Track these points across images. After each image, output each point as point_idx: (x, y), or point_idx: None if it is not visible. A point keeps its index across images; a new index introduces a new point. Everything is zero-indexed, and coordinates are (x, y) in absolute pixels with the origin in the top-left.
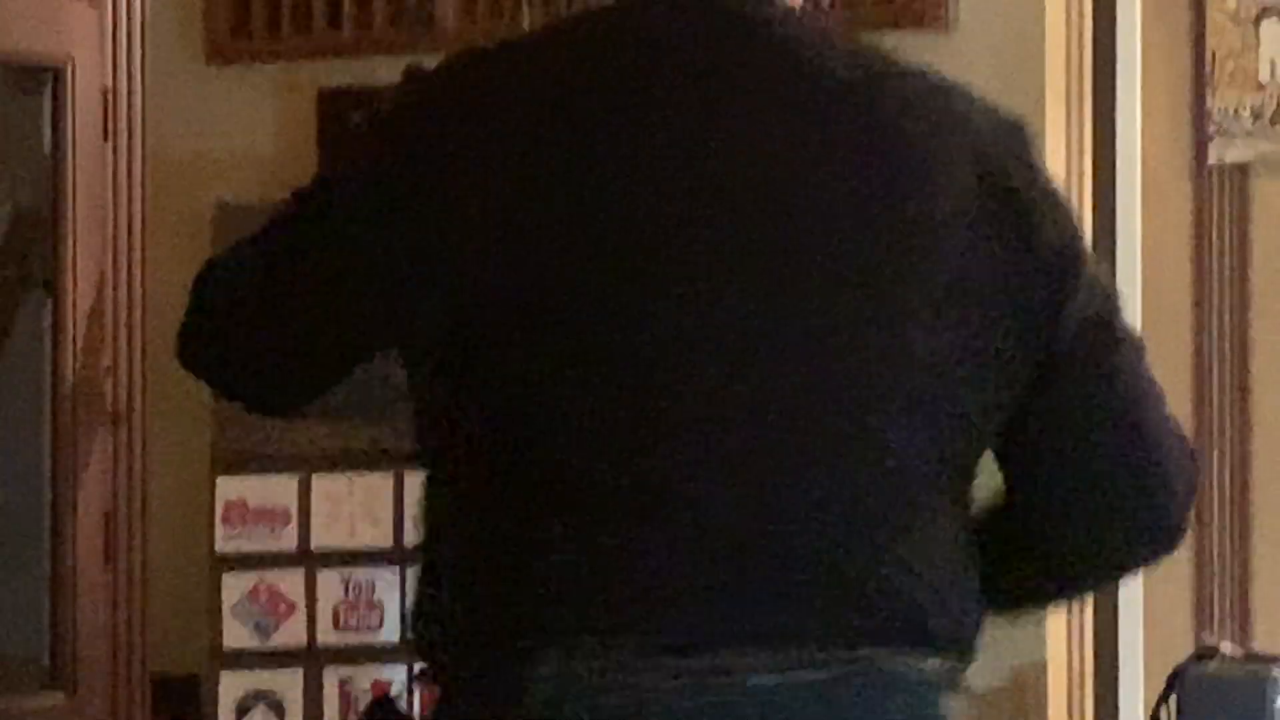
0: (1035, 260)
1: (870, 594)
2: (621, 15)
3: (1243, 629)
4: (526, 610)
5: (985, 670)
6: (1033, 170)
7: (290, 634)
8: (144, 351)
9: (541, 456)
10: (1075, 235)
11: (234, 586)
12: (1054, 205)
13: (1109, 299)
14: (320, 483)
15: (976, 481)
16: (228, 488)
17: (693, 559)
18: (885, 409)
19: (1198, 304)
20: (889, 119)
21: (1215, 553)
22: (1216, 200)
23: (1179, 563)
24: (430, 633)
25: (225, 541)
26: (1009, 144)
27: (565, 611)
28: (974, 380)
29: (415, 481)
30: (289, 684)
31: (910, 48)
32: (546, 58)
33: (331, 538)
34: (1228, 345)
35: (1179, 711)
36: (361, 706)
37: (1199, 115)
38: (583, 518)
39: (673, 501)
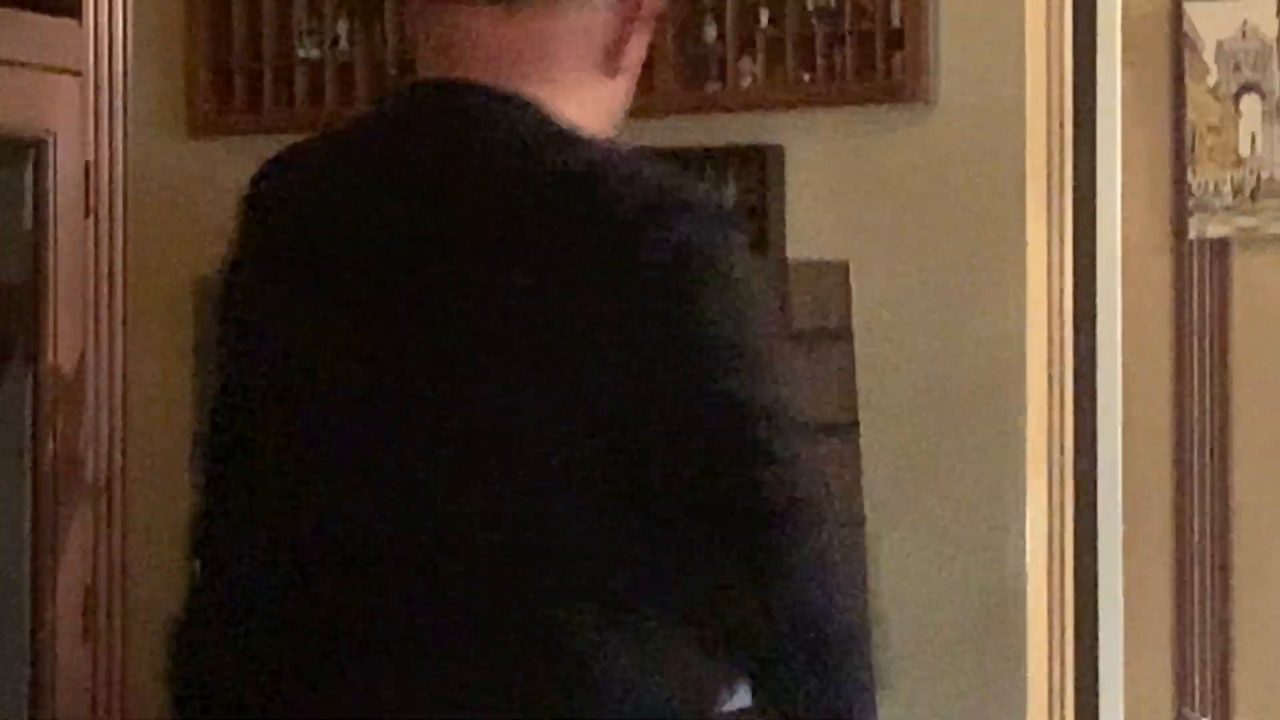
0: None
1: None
2: (366, 121)
3: (1223, 703)
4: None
5: None
6: (688, 263)
7: None
8: (125, 425)
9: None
10: (704, 332)
11: None
12: (698, 295)
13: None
14: None
15: None
16: None
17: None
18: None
19: (1178, 379)
20: (550, 211)
21: (1196, 626)
22: (1197, 275)
23: (1159, 636)
24: None
25: None
26: (681, 231)
27: (195, 689)
28: (591, 454)
29: None
30: None
31: (893, 122)
32: (298, 165)
33: None
34: (1208, 420)
35: None
36: None
37: (1179, 190)
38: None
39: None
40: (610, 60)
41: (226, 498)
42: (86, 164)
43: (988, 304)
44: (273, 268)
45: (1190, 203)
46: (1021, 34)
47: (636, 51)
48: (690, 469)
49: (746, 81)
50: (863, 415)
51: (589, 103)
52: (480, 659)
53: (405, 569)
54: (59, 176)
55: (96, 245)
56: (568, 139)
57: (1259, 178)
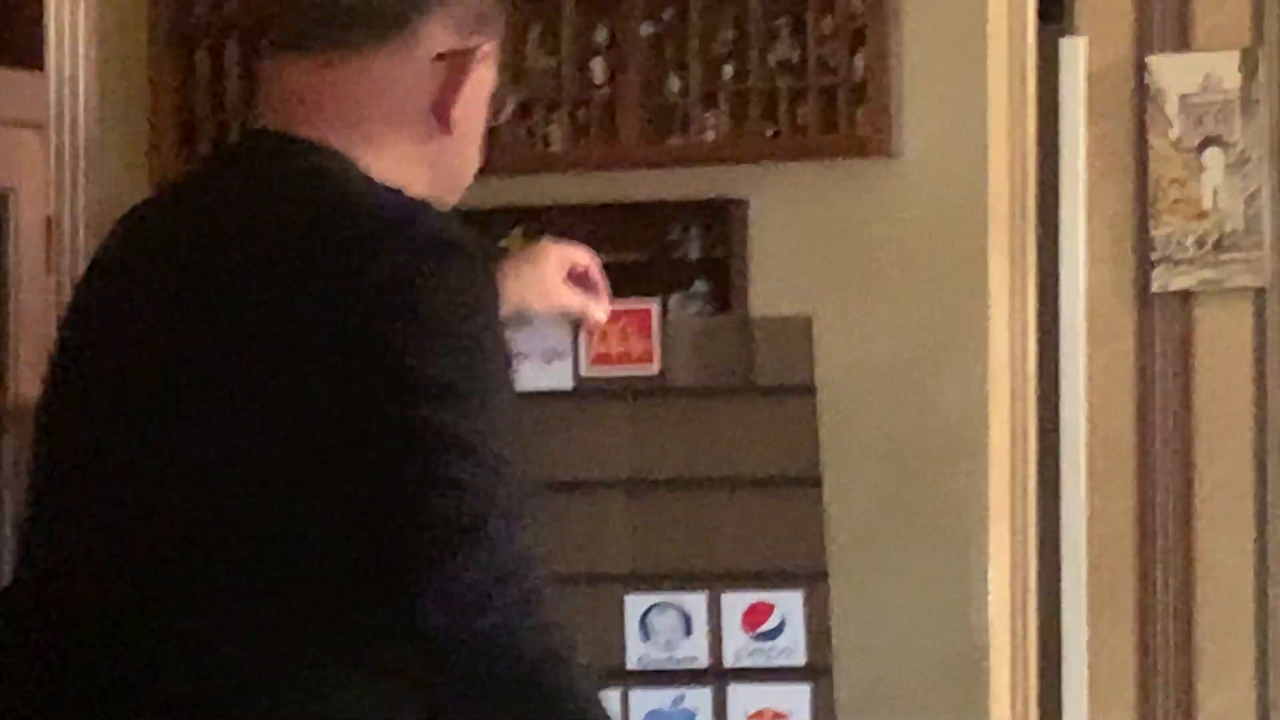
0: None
1: None
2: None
3: None
4: None
5: None
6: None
7: None
8: None
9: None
10: (409, 367)
11: None
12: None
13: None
14: None
15: None
16: None
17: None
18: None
19: (1142, 431)
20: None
21: (1160, 681)
22: (1160, 328)
23: (1124, 691)
24: None
25: None
26: (397, 262)
27: None
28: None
29: None
30: None
31: (856, 176)
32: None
33: None
34: (1172, 472)
35: None
36: None
37: (1142, 243)
38: None
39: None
40: (437, 117)
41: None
42: (48, 218)
43: (951, 359)
44: (86, 299)
45: (1153, 255)
46: (985, 88)
47: (471, 109)
48: (377, 494)
49: (710, 135)
50: (826, 470)
51: (409, 159)
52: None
53: (123, 592)
54: (20, 230)
55: (59, 299)
56: (336, 180)
57: (1222, 230)
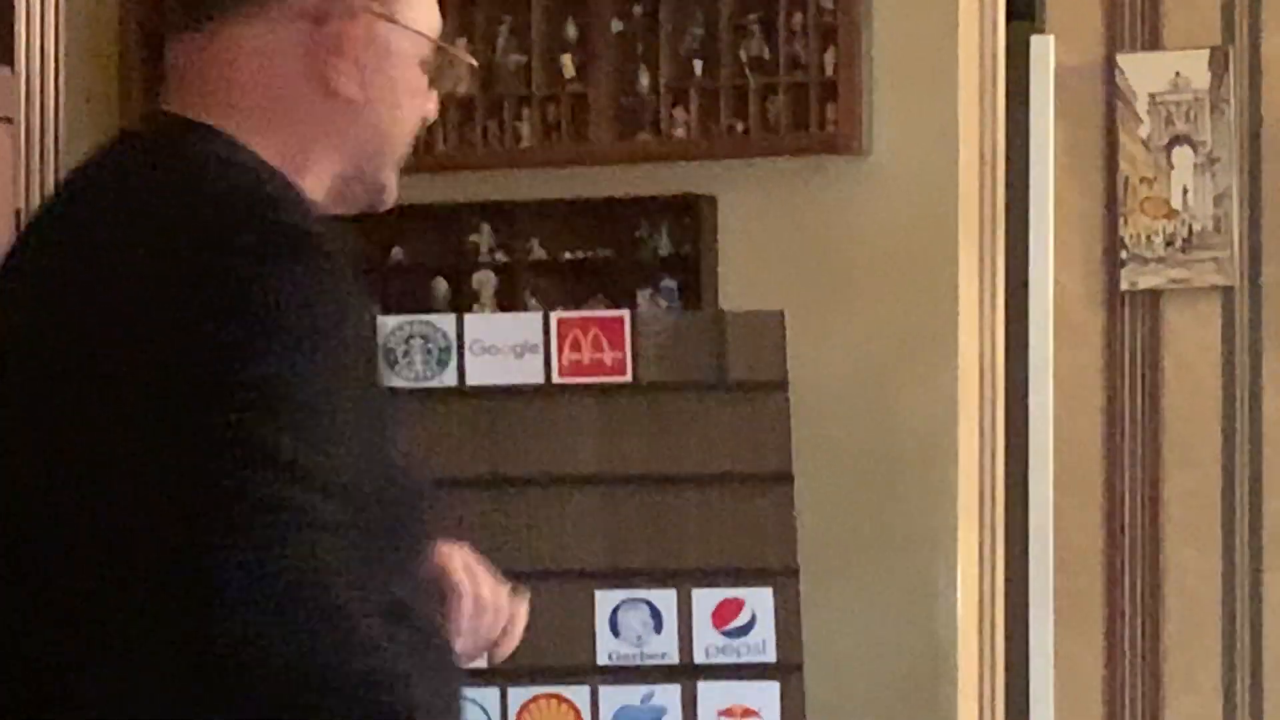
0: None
1: None
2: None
3: None
4: None
5: None
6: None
7: None
8: None
9: None
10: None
11: None
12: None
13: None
14: None
15: None
16: None
17: None
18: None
19: (1110, 432)
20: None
21: (1127, 683)
22: (1128, 326)
23: (1090, 691)
24: None
25: None
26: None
27: None
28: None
29: None
30: None
31: (826, 173)
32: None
33: None
34: (1140, 474)
35: None
36: None
37: (1111, 241)
38: None
39: None
40: (323, 80)
41: None
42: (18, 210)
43: (920, 356)
44: None
45: (1122, 254)
46: (955, 85)
47: (372, 72)
48: (184, 509)
49: (680, 131)
50: (796, 466)
51: (309, 134)
52: None
53: None
54: None
55: None
56: (197, 168)
57: (1190, 229)
